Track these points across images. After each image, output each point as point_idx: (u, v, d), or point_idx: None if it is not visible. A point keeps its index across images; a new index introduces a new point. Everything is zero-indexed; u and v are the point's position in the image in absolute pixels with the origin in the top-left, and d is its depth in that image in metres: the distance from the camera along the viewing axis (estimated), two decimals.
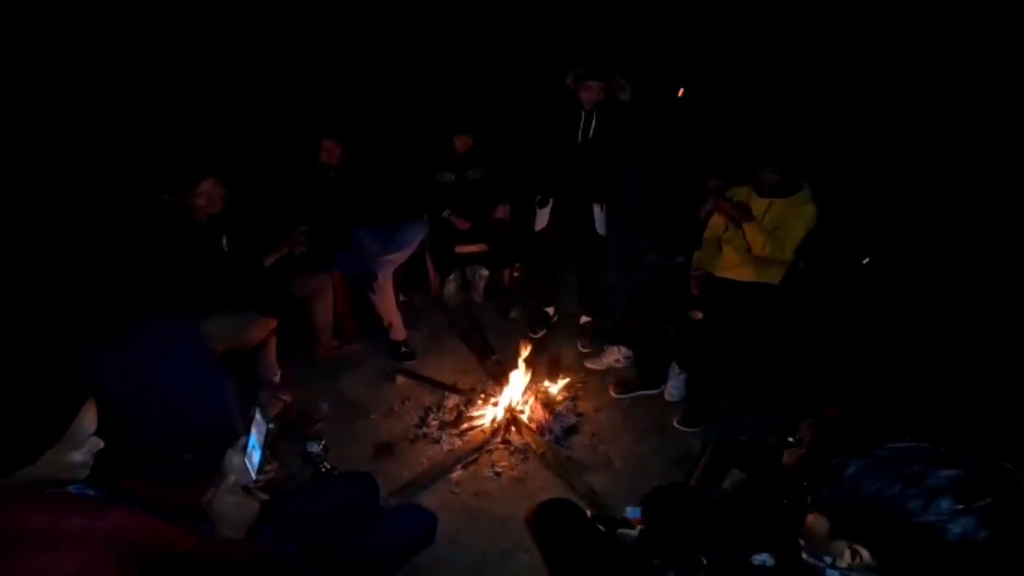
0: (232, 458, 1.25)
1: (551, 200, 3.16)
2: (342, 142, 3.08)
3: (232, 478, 1.20)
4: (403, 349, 3.19)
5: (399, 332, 3.21)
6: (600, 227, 3.14)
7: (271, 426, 1.20)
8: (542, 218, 3.20)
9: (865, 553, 0.86)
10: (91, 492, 1.06)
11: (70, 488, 1.04)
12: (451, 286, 3.66)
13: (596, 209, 3.11)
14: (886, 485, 0.83)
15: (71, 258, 2.62)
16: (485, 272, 3.62)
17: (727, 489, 1.82)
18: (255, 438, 1.23)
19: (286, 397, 1.95)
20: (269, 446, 1.21)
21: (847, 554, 0.88)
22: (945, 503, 0.79)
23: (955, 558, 0.79)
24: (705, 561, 1.23)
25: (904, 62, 3.04)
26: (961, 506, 0.78)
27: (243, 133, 3.26)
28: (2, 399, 0.94)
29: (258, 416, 1.24)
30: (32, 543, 0.91)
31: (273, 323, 1.63)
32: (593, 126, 2.92)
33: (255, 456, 1.22)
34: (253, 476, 1.21)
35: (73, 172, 2.92)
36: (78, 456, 1.02)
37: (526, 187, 3.26)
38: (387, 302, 3.12)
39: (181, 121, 3.20)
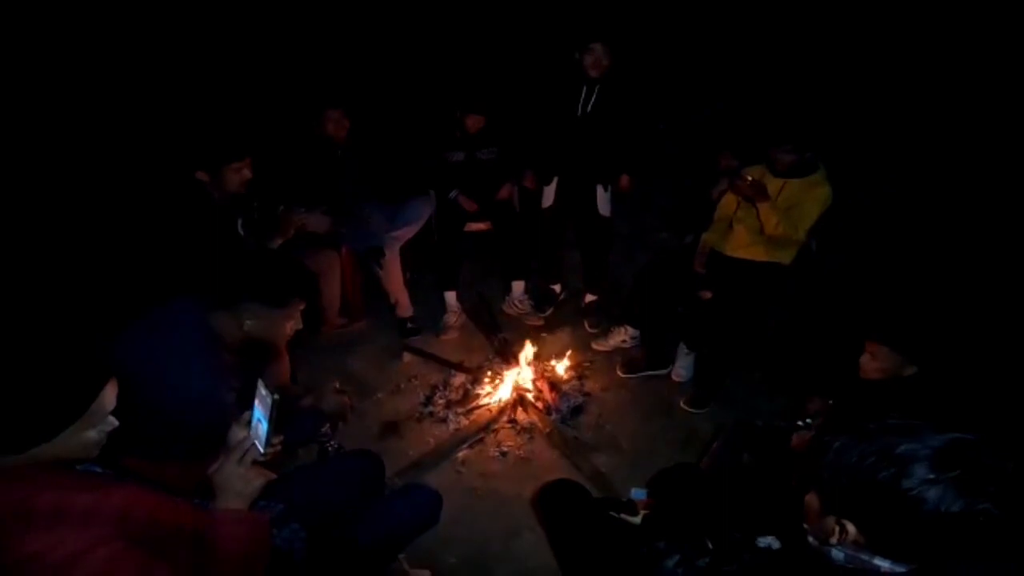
0: (237, 433, 1.24)
1: (555, 178, 3.12)
2: (348, 114, 3.00)
3: (237, 452, 1.20)
4: (409, 326, 3.19)
5: (406, 309, 3.20)
6: (603, 208, 3.10)
7: (276, 397, 1.17)
8: (548, 195, 3.17)
9: (851, 528, 0.87)
10: (97, 469, 1.06)
11: (77, 466, 1.04)
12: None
13: (599, 189, 3.06)
14: (864, 457, 0.84)
15: (96, 240, 2.63)
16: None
17: (737, 473, 1.81)
18: (260, 411, 1.21)
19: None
20: (275, 419, 1.19)
21: (836, 530, 0.88)
22: (918, 474, 0.79)
23: (933, 529, 0.79)
24: (711, 544, 1.22)
25: (905, 62, 2.98)
26: (932, 476, 0.78)
27: (251, 108, 3.22)
28: (26, 374, 0.94)
29: (262, 389, 1.20)
30: (38, 522, 0.90)
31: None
32: (593, 100, 2.85)
33: (261, 429, 1.20)
34: (261, 449, 1.19)
35: (98, 156, 2.91)
36: (94, 434, 1.01)
37: (532, 163, 3.22)
38: (394, 279, 3.11)
39: (204, 102, 3.18)
